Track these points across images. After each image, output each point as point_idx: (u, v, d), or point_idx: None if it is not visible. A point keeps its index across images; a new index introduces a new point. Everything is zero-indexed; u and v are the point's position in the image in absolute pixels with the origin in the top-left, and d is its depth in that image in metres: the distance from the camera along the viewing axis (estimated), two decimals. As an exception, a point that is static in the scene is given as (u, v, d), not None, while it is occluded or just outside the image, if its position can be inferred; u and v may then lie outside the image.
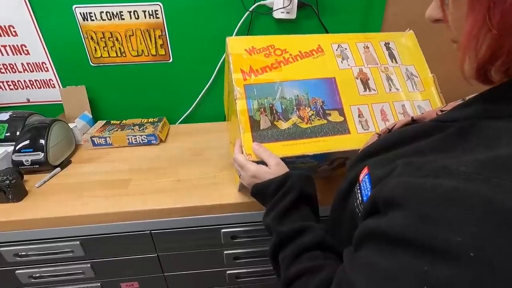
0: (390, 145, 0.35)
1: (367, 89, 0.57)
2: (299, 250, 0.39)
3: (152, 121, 0.99)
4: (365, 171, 0.34)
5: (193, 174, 0.76)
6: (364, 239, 0.28)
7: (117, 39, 0.93)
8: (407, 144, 0.33)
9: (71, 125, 0.91)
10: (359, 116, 0.55)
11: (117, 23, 0.91)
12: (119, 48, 0.94)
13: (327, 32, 0.96)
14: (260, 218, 0.70)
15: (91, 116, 0.99)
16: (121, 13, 0.89)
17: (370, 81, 0.57)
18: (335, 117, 0.55)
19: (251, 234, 0.72)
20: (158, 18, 0.91)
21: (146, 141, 0.90)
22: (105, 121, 1.00)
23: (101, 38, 0.92)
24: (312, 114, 0.54)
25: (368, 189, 0.32)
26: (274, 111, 0.54)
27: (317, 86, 0.56)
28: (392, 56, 0.60)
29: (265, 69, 0.56)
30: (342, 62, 0.58)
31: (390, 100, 0.56)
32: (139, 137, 0.90)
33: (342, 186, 0.39)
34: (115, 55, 0.95)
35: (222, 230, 0.71)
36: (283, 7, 0.86)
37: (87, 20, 0.89)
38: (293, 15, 0.90)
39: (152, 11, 0.90)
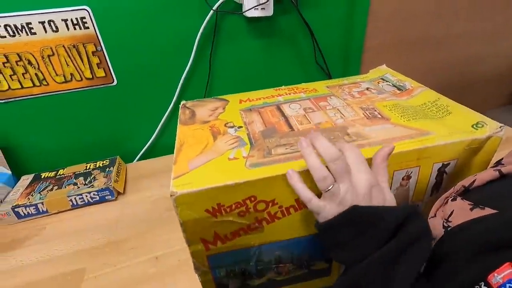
0: None
1: None
2: None
3: (101, 165, 0.74)
4: (508, 270, 0.22)
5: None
6: None
7: (30, 63, 0.66)
8: None
9: (-21, 193, 0.63)
10: None
11: (26, 40, 0.63)
12: (36, 75, 0.67)
13: (310, 29, 0.79)
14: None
15: (10, 172, 0.71)
16: (30, 26, 0.62)
17: None
18: (319, 265, 0.42)
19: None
20: (88, 28, 0.65)
21: (97, 198, 0.66)
22: (32, 175, 0.72)
23: (4, 63, 0.64)
24: (294, 268, 0.41)
25: None
26: (247, 273, 0.40)
27: (309, 243, 0.39)
28: None
29: (239, 233, 0.36)
30: None
31: None
32: (86, 196, 0.65)
33: None
34: (31, 85, 0.68)
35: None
36: (258, 4, 0.67)
37: (-24, 39, 0.61)
38: (269, 12, 0.71)
39: (76, 19, 0.64)
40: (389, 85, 0.53)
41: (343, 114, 0.43)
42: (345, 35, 0.87)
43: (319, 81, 0.57)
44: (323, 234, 0.32)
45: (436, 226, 0.33)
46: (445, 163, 0.37)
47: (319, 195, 0.31)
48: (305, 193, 0.31)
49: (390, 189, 0.37)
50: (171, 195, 0.32)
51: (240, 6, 0.71)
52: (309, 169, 0.30)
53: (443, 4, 0.96)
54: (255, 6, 0.67)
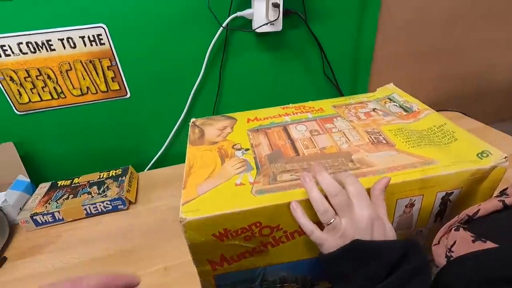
0: None
1: None
2: None
3: (114, 174, 0.77)
4: None
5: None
6: None
7: (49, 77, 0.69)
8: None
9: None
10: None
11: (46, 56, 0.66)
12: (54, 88, 0.70)
13: (318, 42, 0.80)
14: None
15: (28, 180, 0.74)
16: (49, 43, 0.65)
17: None
18: (323, 285, 0.44)
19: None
20: (104, 44, 0.68)
21: (110, 207, 0.69)
22: (49, 183, 0.76)
23: (25, 77, 0.68)
24: (297, 287, 0.44)
25: None
26: None
27: (313, 265, 0.40)
28: None
29: (244, 255, 0.37)
30: None
31: None
32: (100, 205, 0.68)
33: None
34: (50, 97, 0.71)
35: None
36: (268, 22, 0.68)
37: (0, 56, 0.64)
38: (278, 27, 0.72)
39: (93, 36, 0.67)
40: (396, 105, 0.53)
41: (348, 138, 0.44)
42: (354, 47, 0.87)
43: (326, 99, 0.58)
44: (326, 266, 0.33)
45: (440, 254, 0.34)
46: (449, 192, 0.37)
47: (321, 225, 0.32)
48: (308, 226, 0.32)
49: (394, 216, 0.38)
50: (180, 221, 0.33)
51: (249, 22, 0.73)
52: (311, 203, 0.32)
53: (456, 14, 0.95)
54: (265, 24, 0.69)
